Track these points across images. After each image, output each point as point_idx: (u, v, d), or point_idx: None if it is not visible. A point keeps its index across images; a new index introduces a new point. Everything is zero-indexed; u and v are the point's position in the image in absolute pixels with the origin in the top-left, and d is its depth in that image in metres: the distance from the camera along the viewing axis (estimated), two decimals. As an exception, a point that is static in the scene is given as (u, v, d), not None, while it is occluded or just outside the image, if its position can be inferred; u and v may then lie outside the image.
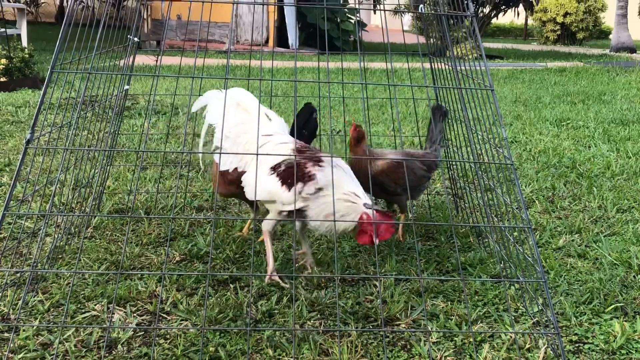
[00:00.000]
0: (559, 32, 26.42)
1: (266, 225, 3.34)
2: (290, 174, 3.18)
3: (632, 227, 4.17)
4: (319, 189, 3.13)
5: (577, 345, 2.81)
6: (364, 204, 3.11)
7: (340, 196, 3.10)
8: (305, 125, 3.77)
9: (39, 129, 2.89)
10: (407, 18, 30.46)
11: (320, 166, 3.19)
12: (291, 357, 2.63)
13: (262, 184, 3.23)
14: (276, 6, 13.01)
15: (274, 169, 3.27)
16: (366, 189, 3.23)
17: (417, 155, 3.77)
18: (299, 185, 3.16)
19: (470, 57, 3.35)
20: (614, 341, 2.80)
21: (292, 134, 3.59)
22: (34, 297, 3.08)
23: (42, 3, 29.00)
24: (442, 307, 3.09)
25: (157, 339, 2.76)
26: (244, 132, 3.47)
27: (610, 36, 24.57)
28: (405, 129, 7.13)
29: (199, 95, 4.12)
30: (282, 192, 3.20)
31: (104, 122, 4.01)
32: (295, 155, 3.20)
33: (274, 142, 3.39)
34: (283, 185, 3.21)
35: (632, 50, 21.35)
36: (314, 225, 3.22)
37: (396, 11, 4.10)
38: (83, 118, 3.74)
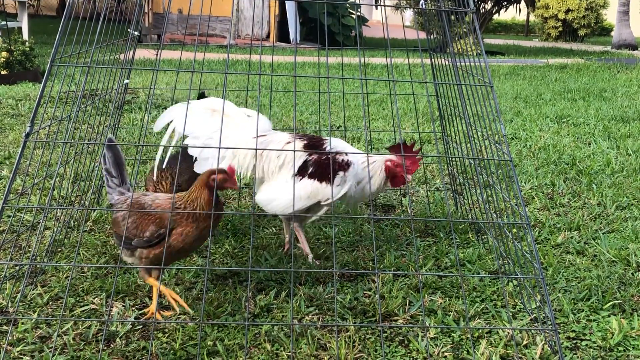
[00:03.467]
0: (560, 29, 26.38)
1: (298, 223, 3.47)
2: (324, 170, 3.28)
3: (631, 224, 4.17)
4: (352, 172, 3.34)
5: (574, 341, 2.81)
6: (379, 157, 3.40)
7: (362, 165, 3.36)
8: None
9: (39, 122, 2.89)
10: (408, 13, 30.42)
11: (342, 153, 3.35)
12: (289, 352, 2.63)
13: (298, 191, 3.27)
14: (277, 1, 12.99)
15: (302, 173, 3.32)
16: None
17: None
18: (340, 174, 3.31)
19: (470, 53, 3.35)
20: (612, 338, 2.80)
21: None
22: (32, 290, 3.08)
23: (43, -4, 28.97)
24: (440, 303, 3.10)
25: (155, 332, 2.76)
26: (225, 136, 3.32)
27: (612, 33, 24.53)
28: (406, 124, 7.13)
29: (199, 89, 4.12)
30: (325, 189, 3.28)
31: (104, 116, 4.01)
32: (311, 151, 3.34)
33: (277, 141, 3.38)
34: (322, 182, 3.29)
35: (633, 47, 21.32)
36: (352, 200, 3.43)
37: (397, 7, 4.10)
38: (83, 111, 3.74)
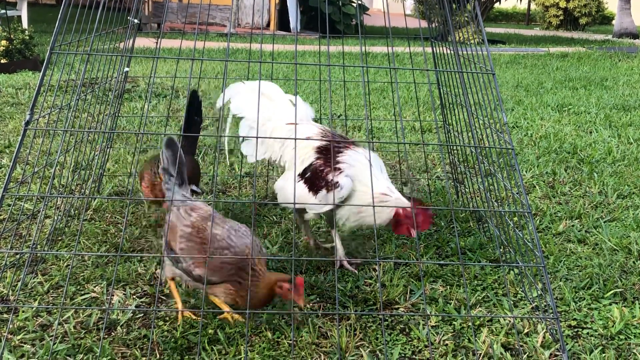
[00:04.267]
0: (561, 17, 26.30)
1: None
2: (315, 180, 3.21)
3: (633, 212, 4.16)
4: (347, 195, 3.15)
5: (575, 330, 2.81)
6: (398, 199, 3.14)
7: (375, 196, 3.06)
8: (197, 113, 3.64)
9: (39, 111, 2.88)
10: (409, 2, 30.32)
11: (341, 170, 3.17)
12: (290, 340, 2.63)
13: (295, 190, 3.19)
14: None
15: (302, 174, 3.28)
16: None
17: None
18: (323, 192, 3.18)
19: (472, 41, 3.33)
20: (613, 326, 2.80)
21: (186, 122, 3.58)
22: (33, 278, 3.08)
23: (43, -16, 28.86)
24: (441, 292, 3.09)
25: (156, 321, 2.76)
26: (267, 119, 3.49)
27: (613, 22, 24.46)
28: (407, 113, 7.11)
29: (199, 78, 4.11)
30: (309, 198, 3.22)
31: (103, 105, 4.00)
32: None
33: (300, 133, 3.30)
34: (310, 192, 3.23)
35: (634, 36, 21.26)
36: (348, 222, 3.25)
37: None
38: (83, 100, 3.73)
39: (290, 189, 3.22)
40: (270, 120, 3.50)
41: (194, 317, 2.77)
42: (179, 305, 2.79)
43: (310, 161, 3.28)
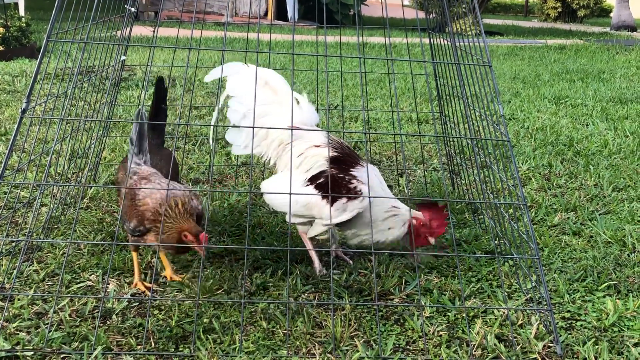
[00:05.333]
0: (559, 10, 26.25)
1: (307, 231, 3.20)
2: (334, 187, 2.99)
3: (628, 205, 4.17)
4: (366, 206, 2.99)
5: (569, 322, 2.83)
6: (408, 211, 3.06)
7: (385, 211, 3.04)
8: (164, 100, 3.47)
9: (35, 99, 2.87)
10: (408, -7, 30.23)
11: (360, 180, 3.03)
12: (285, 330, 2.64)
13: (300, 195, 3.03)
14: (276, -22, 12.93)
15: (312, 180, 3.09)
16: None
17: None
18: (343, 200, 3.01)
19: (469, 33, 3.33)
20: (607, 318, 2.81)
21: (153, 110, 3.43)
22: (29, 266, 3.08)
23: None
24: (436, 283, 3.10)
25: (151, 309, 2.77)
26: (265, 113, 3.28)
27: (611, 14, 24.42)
28: (403, 104, 7.11)
29: (196, 67, 4.10)
30: (323, 206, 3.03)
31: (100, 93, 3.99)
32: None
33: (306, 144, 3.17)
34: (324, 199, 3.03)
35: (632, 28, 21.23)
36: (357, 239, 3.11)
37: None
38: (79, 88, 3.72)
39: (288, 194, 2.85)
40: (268, 116, 3.29)
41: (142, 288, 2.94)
42: (136, 277, 2.97)
43: (321, 169, 3.10)
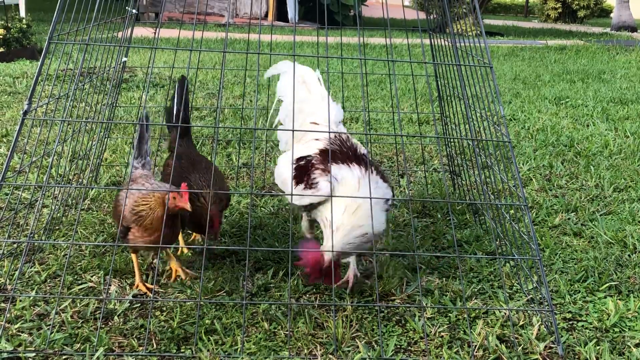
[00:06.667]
0: (560, 10, 26.24)
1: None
2: (305, 170, 3.01)
3: (629, 206, 4.18)
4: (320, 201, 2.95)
5: (570, 322, 2.83)
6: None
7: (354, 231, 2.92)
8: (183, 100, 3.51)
9: (37, 100, 2.88)
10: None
11: (329, 175, 2.95)
12: (286, 331, 2.64)
13: (283, 172, 3.19)
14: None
15: (297, 161, 3.10)
16: None
17: None
18: (301, 186, 3.00)
19: (470, 33, 3.33)
20: (608, 319, 2.81)
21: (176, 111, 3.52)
22: (30, 267, 3.09)
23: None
24: (437, 283, 3.11)
25: (153, 311, 2.77)
26: (299, 111, 3.33)
27: (612, 15, 24.41)
28: (404, 105, 7.11)
29: (197, 69, 4.10)
30: (289, 185, 3.02)
31: (101, 94, 4.00)
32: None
33: (311, 137, 3.22)
34: (294, 180, 3.02)
35: (633, 29, 21.23)
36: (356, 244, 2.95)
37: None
38: (81, 90, 3.73)
39: (284, 172, 3.15)
40: (302, 113, 3.35)
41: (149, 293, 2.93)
42: (137, 279, 2.96)
43: (311, 151, 3.12)
